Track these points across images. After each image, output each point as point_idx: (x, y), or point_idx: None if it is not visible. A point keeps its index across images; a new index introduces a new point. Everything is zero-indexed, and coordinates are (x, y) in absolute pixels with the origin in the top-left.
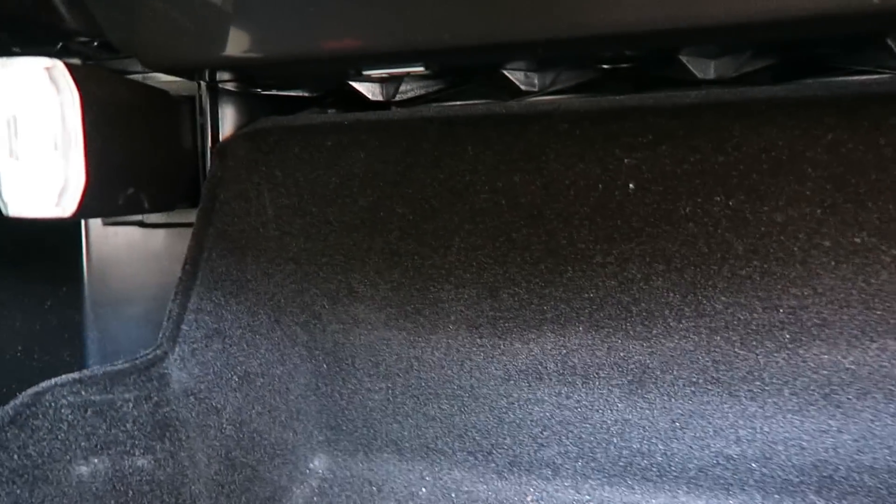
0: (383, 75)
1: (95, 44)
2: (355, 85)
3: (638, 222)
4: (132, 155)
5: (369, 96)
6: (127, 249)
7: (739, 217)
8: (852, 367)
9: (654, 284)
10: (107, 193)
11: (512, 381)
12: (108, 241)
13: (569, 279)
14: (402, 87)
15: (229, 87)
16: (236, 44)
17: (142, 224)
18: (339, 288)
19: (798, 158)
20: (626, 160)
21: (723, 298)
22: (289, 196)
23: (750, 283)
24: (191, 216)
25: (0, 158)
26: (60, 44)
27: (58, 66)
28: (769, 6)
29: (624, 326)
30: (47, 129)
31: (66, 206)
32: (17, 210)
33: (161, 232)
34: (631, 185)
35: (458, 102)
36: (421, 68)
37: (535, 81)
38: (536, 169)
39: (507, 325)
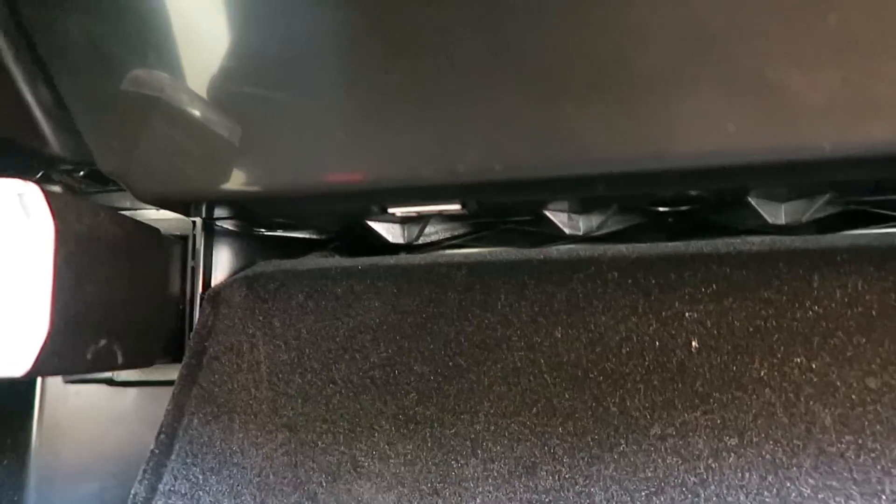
0: (411, 214)
1: (81, 174)
2: (374, 225)
3: (703, 387)
4: (109, 300)
5: (389, 238)
6: (89, 412)
7: (825, 382)
8: None
9: (725, 462)
10: (73, 346)
11: None
12: (67, 401)
13: (621, 454)
14: (427, 229)
15: (228, 226)
16: (246, 176)
17: (111, 382)
18: (341, 461)
19: (890, 314)
20: (687, 314)
21: (810, 481)
22: (288, 350)
23: (843, 462)
24: (170, 373)
25: None
26: (41, 172)
27: (33, 191)
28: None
29: None
30: (9, 265)
31: (18, 363)
32: None
33: (133, 392)
34: (694, 344)
35: (489, 248)
36: (457, 206)
37: (580, 224)
38: (581, 323)
39: None
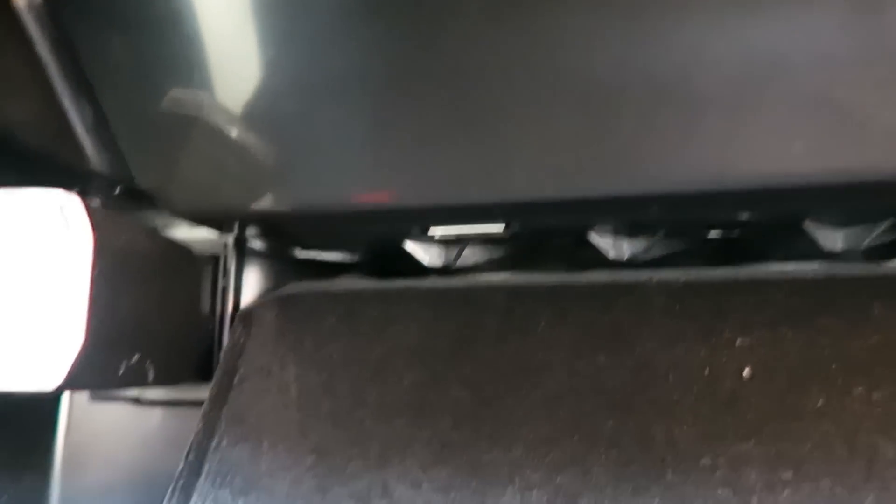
0: (451, 236)
1: (116, 191)
2: (410, 247)
3: (756, 417)
4: (143, 316)
5: (425, 261)
6: (114, 432)
7: (888, 413)
8: None
9: (779, 496)
10: (106, 361)
11: None
12: (92, 420)
13: (667, 485)
14: (465, 252)
15: (259, 246)
16: (290, 194)
17: (137, 401)
18: (372, 487)
19: None
20: (738, 341)
21: None
22: (318, 372)
23: None
24: (196, 393)
25: None
26: (78, 188)
27: (74, 202)
28: None
29: None
30: (47, 276)
31: (50, 377)
32: None
33: (158, 411)
34: (746, 372)
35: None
36: (500, 228)
37: (625, 248)
38: (626, 349)
39: None
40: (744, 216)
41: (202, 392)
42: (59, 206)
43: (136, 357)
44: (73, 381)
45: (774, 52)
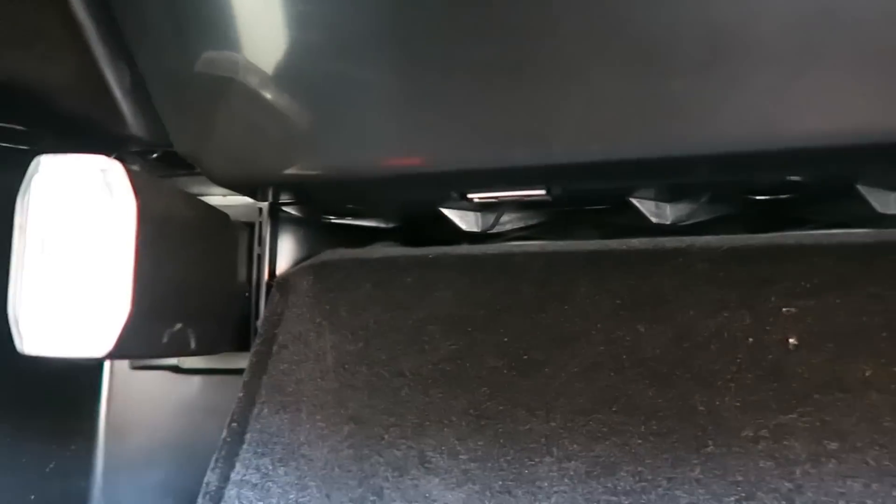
0: (490, 200)
1: (153, 156)
2: (448, 212)
3: (801, 387)
4: (185, 284)
5: (463, 226)
6: (155, 400)
7: None
8: None
9: (824, 468)
10: (151, 329)
11: None
12: (133, 388)
13: (708, 456)
14: (503, 218)
15: (294, 212)
16: (321, 158)
17: (177, 369)
18: (408, 456)
19: None
20: (784, 309)
21: None
22: (354, 341)
23: None
24: (234, 361)
25: (23, 276)
26: (115, 153)
27: (116, 168)
28: None
29: None
30: (91, 242)
31: (100, 344)
32: (35, 346)
33: (197, 379)
34: (792, 341)
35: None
36: (542, 192)
37: (668, 213)
38: (667, 317)
39: None
40: (796, 178)
41: (239, 360)
42: (101, 171)
43: (178, 325)
44: (122, 348)
45: (830, 4)
